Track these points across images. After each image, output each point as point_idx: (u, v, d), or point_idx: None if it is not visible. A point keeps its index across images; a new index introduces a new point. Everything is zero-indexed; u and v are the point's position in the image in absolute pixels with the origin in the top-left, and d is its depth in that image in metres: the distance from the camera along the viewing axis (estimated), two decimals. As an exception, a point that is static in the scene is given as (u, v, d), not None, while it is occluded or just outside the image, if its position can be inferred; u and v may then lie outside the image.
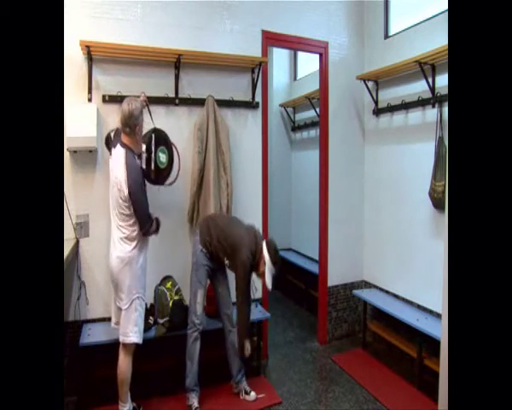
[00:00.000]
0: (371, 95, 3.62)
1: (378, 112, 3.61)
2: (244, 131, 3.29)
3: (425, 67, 2.93)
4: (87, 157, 2.78)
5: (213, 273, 2.77)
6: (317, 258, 3.94)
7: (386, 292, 3.57)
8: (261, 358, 3.27)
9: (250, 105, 3.27)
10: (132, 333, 2.38)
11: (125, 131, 2.35)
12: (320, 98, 3.76)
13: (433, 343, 2.69)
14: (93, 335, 2.67)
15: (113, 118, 2.76)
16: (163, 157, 2.53)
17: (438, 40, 2.78)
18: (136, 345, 2.42)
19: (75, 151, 2.72)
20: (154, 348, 2.71)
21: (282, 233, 5.27)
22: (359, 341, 3.71)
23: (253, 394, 2.81)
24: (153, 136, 2.51)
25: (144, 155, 2.43)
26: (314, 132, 4.76)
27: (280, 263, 2.62)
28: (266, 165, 3.41)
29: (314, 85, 4.13)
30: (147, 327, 2.64)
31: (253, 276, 2.68)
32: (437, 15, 2.98)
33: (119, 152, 2.35)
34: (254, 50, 3.26)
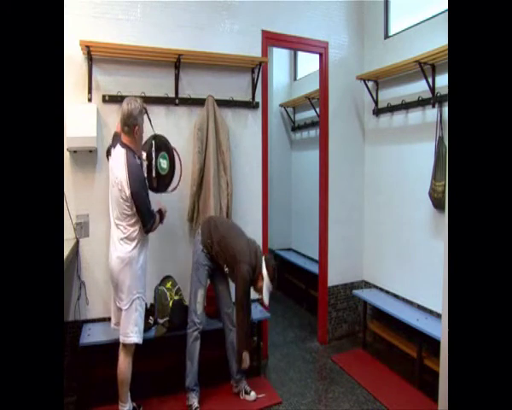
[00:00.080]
0: (371, 95, 3.62)
1: (378, 112, 3.61)
2: (244, 131, 3.29)
3: (425, 67, 2.93)
4: (87, 157, 2.78)
5: (214, 273, 2.77)
6: (317, 258, 3.94)
7: (387, 292, 3.57)
8: (261, 358, 3.27)
9: (250, 105, 3.27)
10: (133, 333, 2.38)
11: (124, 131, 2.36)
12: (320, 98, 3.76)
13: (433, 343, 2.70)
14: (93, 335, 2.67)
15: (113, 118, 2.76)
16: (164, 163, 2.52)
17: (438, 40, 2.78)
18: (137, 345, 2.42)
19: (75, 151, 2.72)
20: (154, 348, 2.71)
21: (282, 233, 5.28)
22: (359, 341, 3.71)
23: (252, 394, 2.81)
24: (153, 142, 2.50)
25: (145, 163, 2.43)
26: (314, 132, 4.76)
27: (277, 279, 2.67)
28: (266, 165, 3.41)
29: (314, 85, 4.13)
30: (147, 327, 2.64)
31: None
32: (437, 15, 2.98)
33: (119, 152, 2.35)
34: (254, 50, 3.26)
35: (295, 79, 5.35)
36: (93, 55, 2.71)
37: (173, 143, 2.93)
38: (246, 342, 2.63)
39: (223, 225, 2.74)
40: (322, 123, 3.72)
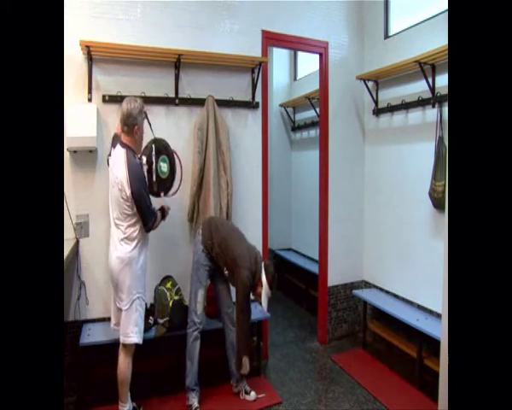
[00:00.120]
0: (371, 95, 3.63)
1: (378, 112, 3.61)
2: (244, 131, 3.29)
3: (425, 67, 2.93)
4: (87, 157, 2.78)
5: (214, 273, 2.77)
6: (317, 258, 3.94)
7: (387, 292, 3.57)
8: (261, 358, 3.27)
9: (250, 105, 3.27)
10: (133, 333, 2.38)
11: (123, 131, 2.37)
12: (320, 98, 3.76)
13: (433, 343, 2.70)
14: (93, 335, 2.67)
15: (113, 118, 2.76)
16: (164, 166, 2.51)
17: (438, 40, 2.78)
18: (137, 345, 2.42)
19: (75, 151, 2.72)
20: (154, 348, 2.71)
21: (282, 233, 5.28)
22: (359, 341, 3.71)
23: (253, 394, 2.81)
24: (153, 146, 2.49)
25: (145, 167, 2.42)
26: (314, 132, 4.76)
27: (276, 285, 2.68)
28: (266, 165, 3.41)
29: (314, 85, 4.13)
30: (147, 327, 2.64)
31: None
32: (437, 15, 2.98)
33: (119, 152, 2.35)
34: (254, 50, 3.26)
35: (295, 79, 5.35)
36: (93, 55, 2.71)
37: (173, 143, 2.92)
38: (246, 347, 2.64)
39: (223, 227, 2.73)
40: (322, 123, 3.72)
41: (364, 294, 3.62)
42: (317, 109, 4.07)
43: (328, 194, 3.70)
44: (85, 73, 2.74)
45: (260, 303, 2.73)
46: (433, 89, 2.96)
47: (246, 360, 2.64)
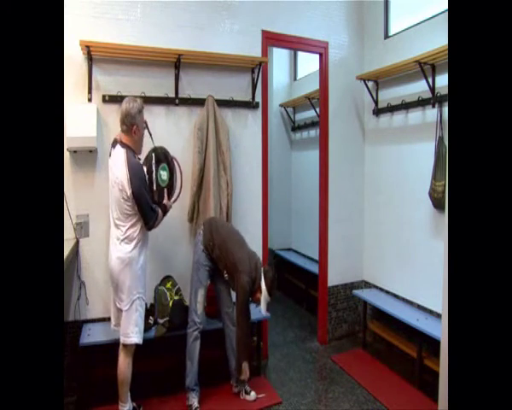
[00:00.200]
0: (371, 95, 3.62)
1: (378, 112, 3.61)
2: (244, 131, 3.29)
3: (425, 67, 2.93)
4: (87, 157, 2.78)
5: (214, 272, 2.77)
6: (317, 258, 3.94)
7: (387, 292, 3.57)
8: (261, 358, 3.27)
9: (250, 105, 3.27)
10: (133, 334, 2.38)
11: (122, 130, 2.37)
12: (320, 98, 3.76)
13: (433, 343, 2.70)
14: (93, 335, 2.67)
15: (113, 118, 2.76)
16: (164, 174, 2.51)
17: (438, 40, 2.78)
18: (137, 345, 2.42)
19: (75, 151, 2.72)
20: (154, 348, 2.71)
21: (282, 233, 5.28)
22: (359, 341, 3.71)
23: (253, 394, 2.81)
24: (153, 155, 2.49)
25: (146, 177, 2.43)
26: (314, 132, 4.76)
27: (276, 287, 2.70)
28: (266, 165, 3.41)
29: (314, 85, 4.13)
30: (147, 327, 2.64)
31: None
32: (437, 15, 2.98)
33: (119, 152, 2.35)
34: (254, 50, 3.26)
35: (295, 79, 5.35)
36: (93, 55, 2.71)
37: (173, 143, 2.94)
38: (245, 350, 2.64)
39: (224, 229, 2.73)
40: (322, 123, 3.72)
41: (364, 294, 3.62)
42: (317, 109, 4.07)
43: (328, 194, 3.70)
44: (85, 73, 2.74)
45: (258, 306, 2.73)
46: (433, 89, 2.96)
47: (245, 366, 2.64)
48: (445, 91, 2.79)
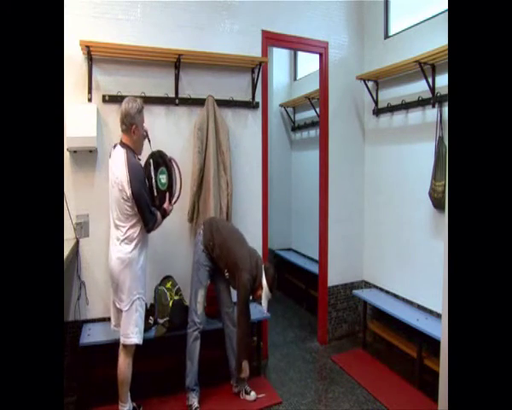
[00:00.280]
0: (371, 95, 3.62)
1: (378, 112, 3.61)
2: (244, 131, 3.29)
3: (425, 67, 2.93)
4: (87, 157, 2.78)
5: (214, 273, 2.77)
6: (317, 258, 3.94)
7: (387, 292, 3.57)
8: (261, 358, 3.27)
9: (250, 105, 3.27)
10: (133, 334, 2.38)
11: (122, 130, 2.38)
12: (320, 98, 3.76)
13: (433, 343, 2.70)
14: (93, 335, 2.67)
15: (113, 118, 2.76)
16: (163, 178, 2.50)
17: (438, 40, 2.78)
18: (137, 345, 2.42)
19: (75, 151, 2.72)
20: (154, 348, 2.71)
21: (282, 233, 5.28)
22: (359, 341, 3.71)
23: (253, 394, 2.81)
24: (151, 161, 2.49)
25: (146, 179, 2.42)
26: (314, 132, 4.76)
27: (276, 286, 2.70)
28: (266, 165, 3.41)
29: (314, 85, 4.13)
30: (147, 327, 2.64)
31: None
32: (437, 15, 2.98)
33: (119, 152, 2.35)
34: (254, 50, 3.26)
35: (295, 79, 5.35)
36: (93, 55, 2.71)
37: (173, 143, 2.95)
38: (245, 350, 2.64)
39: (224, 228, 2.73)
40: (322, 123, 3.72)
41: (364, 294, 3.62)
42: (317, 109, 4.07)
43: (328, 194, 3.70)
44: (85, 73, 2.74)
45: (260, 304, 2.74)
46: (433, 89, 2.96)
47: (245, 364, 2.64)
48: (445, 91, 2.79)
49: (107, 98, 2.80)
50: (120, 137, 2.42)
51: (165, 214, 2.51)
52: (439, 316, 2.87)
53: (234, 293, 2.74)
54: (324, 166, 3.71)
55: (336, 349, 3.62)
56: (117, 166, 2.32)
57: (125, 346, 2.40)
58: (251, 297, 2.72)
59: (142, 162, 2.48)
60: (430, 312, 3.06)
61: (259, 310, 3.20)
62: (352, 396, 2.89)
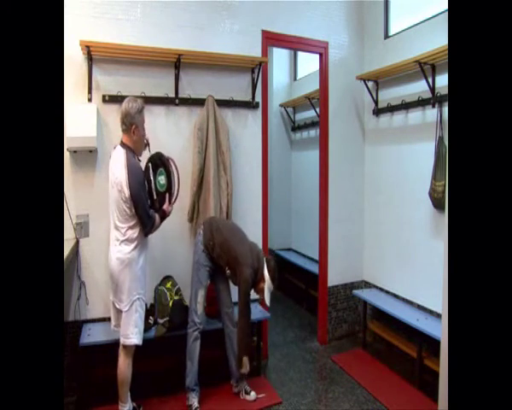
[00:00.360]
0: (371, 95, 3.62)
1: (378, 112, 3.61)
2: (244, 131, 3.29)
3: (425, 67, 2.93)
4: (87, 157, 2.78)
5: (214, 273, 2.77)
6: (317, 258, 3.94)
7: (387, 292, 3.57)
8: (261, 358, 3.27)
9: (250, 105, 3.27)
10: (133, 335, 2.38)
11: (122, 129, 2.38)
12: (320, 98, 3.76)
13: (433, 343, 2.70)
14: (93, 335, 2.67)
15: (113, 118, 2.76)
16: (162, 179, 2.50)
17: (438, 40, 2.78)
18: (137, 346, 2.42)
19: (75, 151, 2.72)
20: (154, 348, 2.71)
21: (282, 233, 5.28)
22: (359, 341, 3.71)
23: (253, 394, 2.81)
24: (149, 165, 2.49)
25: (145, 181, 2.42)
26: (314, 132, 4.76)
27: (277, 279, 2.70)
28: (266, 165, 3.41)
29: (314, 85, 4.13)
30: (147, 327, 2.64)
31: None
32: (437, 15, 2.98)
33: (119, 152, 2.35)
34: (254, 50, 3.26)
35: (295, 79, 5.35)
36: (93, 55, 2.71)
37: (173, 143, 2.95)
38: (246, 347, 2.64)
39: (225, 228, 2.73)
40: (322, 123, 3.72)
41: (364, 294, 3.62)
42: (317, 109, 4.07)
43: (328, 194, 3.70)
44: (85, 73, 2.74)
45: (260, 303, 2.74)
46: (433, 89, 2.96)
47: (246, 360, 2.64)
48: (445, 91, 2.79)
49: (107, 98, 2.80)
50: (120, 137, 2.42)
51: (164, 216, 2.51)
52: (439, 316, 2.87)
53: (234, 293, 2.74)
54: (324, 166, 3.71)
55: (336, 349, 3.62)
56: (116, 167, 2.32)
57: (124, 346, 2.40)
58: (253, 292, 2.70)
59: (143, 164, 2.48)
60: (430, 312, 3.06)
61: (260, 310, 3.21)
62: (352, 396, 2.89)
